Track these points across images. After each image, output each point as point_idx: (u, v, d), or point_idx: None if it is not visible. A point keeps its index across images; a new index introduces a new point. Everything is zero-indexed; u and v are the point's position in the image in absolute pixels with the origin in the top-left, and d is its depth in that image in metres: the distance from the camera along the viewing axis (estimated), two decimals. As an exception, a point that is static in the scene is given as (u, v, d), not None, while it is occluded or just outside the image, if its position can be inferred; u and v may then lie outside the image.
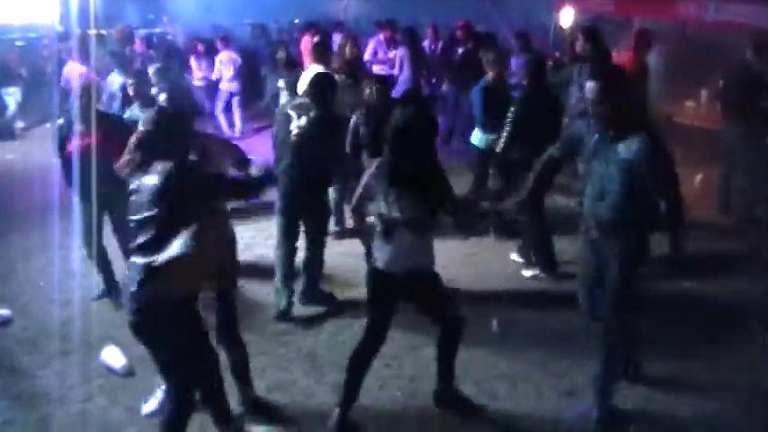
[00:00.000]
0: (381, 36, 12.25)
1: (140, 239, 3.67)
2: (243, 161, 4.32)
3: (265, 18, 17.95)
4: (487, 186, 7.42)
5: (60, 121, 5.90)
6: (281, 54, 10.09)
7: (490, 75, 7.25)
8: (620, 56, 8.55)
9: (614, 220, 4.24)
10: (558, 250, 6.70)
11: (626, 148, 4.09)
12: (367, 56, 11.67)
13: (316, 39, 8.93)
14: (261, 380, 4.82)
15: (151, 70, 7.20)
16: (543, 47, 11.66)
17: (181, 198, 3.67)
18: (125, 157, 3.87)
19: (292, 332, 5.68)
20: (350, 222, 7.59)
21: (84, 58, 9.23)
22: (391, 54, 11.71)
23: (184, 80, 12.03)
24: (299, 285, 6.12)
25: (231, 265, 4.44)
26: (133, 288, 3.65)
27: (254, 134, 12.07)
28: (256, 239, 7.43)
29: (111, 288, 5.98)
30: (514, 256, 6.93)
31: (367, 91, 6.64)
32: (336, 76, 6.70)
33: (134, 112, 6.41)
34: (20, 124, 12.82)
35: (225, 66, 12.23)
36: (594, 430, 4.43)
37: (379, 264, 4.25)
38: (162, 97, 4.19)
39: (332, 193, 7.08)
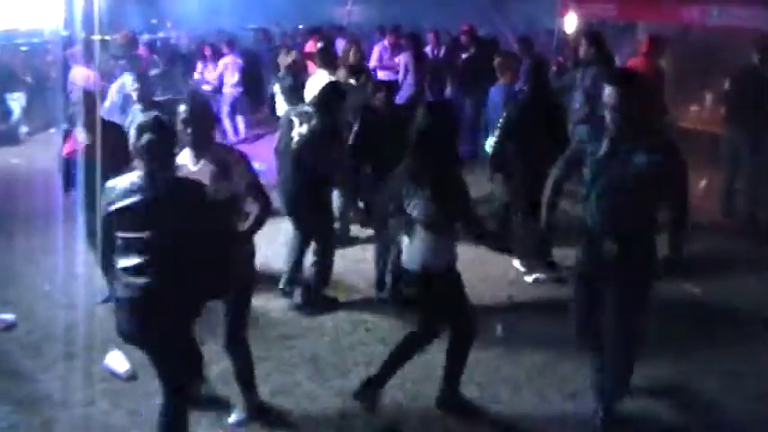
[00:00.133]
0: (386, 42, 12.27)
1: (134, 260, 3.65)
2: (252, 185, 4.28)
3: (269, 23, 18.01)
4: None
5: (65, 125, 5.93)
6: (282, 57, 10.11)
7: (504, 80, 7.23)
8: (634, 61, 8.56)
9: (631, 231, 4.15)
10: (561, 256, 6.70)
11: (643, 156, 3.99)
12: (373, 62, 11.69)
13: (319, 44, 8.95)
14: (264, 384, 4.82)
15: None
16: (546, 52, 11.68)
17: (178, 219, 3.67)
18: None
19: (296, 336, 5.68)
20: (353, 230, 7.68)
21: (89, 63, 9.27)
22: (397, 59, 11.73)
23: (189, 85, 12.08)
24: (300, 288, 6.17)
25: (248, 274, 4.47)
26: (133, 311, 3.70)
27: (256, 140, 12.08)
28: (258, 244, 7.41)
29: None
30: (516, 263, 6.92)
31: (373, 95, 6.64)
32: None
33: (135, 115, 6.41)
34: (24, 129, 12.86)
35: (229, 70, 12.25)
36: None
37: (403, 262, 4.43)
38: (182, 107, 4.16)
39: (336, 200, 7.09)
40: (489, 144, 7.00)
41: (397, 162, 4.48)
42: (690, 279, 6.57)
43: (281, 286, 6.17)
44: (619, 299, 4.18)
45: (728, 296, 6.37)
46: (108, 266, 3.86)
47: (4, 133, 12.58)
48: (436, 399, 4.72)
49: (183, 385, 3.99)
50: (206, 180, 4.12)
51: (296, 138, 5.82)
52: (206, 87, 12.35)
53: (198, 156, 4.23)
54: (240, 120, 12.50)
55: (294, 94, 7.86)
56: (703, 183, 9.07)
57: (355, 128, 6.48)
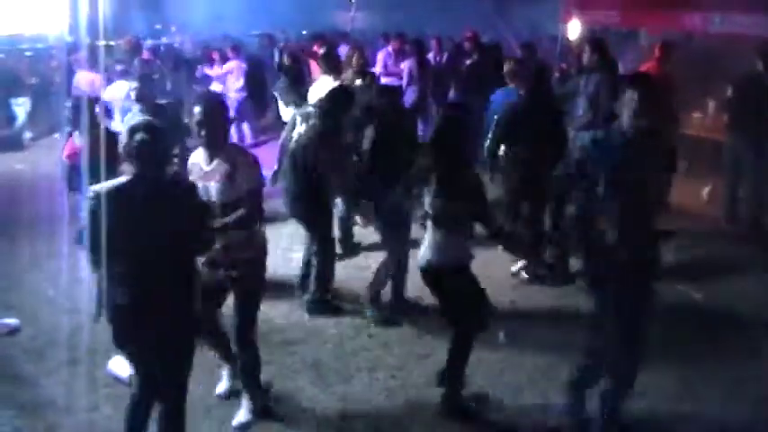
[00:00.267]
0: (390, 48, 12.32)
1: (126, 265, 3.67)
2: (252, 192, 4.30)
3: (273, 29, 18.04)
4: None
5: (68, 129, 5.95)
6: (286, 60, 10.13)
7: (514, 85, 7.22)
8: (645, 67, 8.58)
9: (646, 234, 4.14)
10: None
11: (655, 162, 4.02)
12: (377, 68, 11.73)
13: (322, 49, 8.97)
14: (266, 389, 4.83)
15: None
16: (550, 58, 11.69)
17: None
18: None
19: (298, 342, 5.69)
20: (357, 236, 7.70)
21: (94, 68, 9.30)
22: (402, 66, 11.78)
23: (194, 89, 12.07)
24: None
25: (257, 275, 4.53)
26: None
27: (260, 145, 12.08)
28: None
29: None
30: (515, 267, 6.92)
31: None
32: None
33: (135, 115, 6.41)
34: (28, 134, 12.88)
35: (234, 75, 12.25)
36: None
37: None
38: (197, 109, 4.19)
39: (339, 206, 7.11)
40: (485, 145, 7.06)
41: (405, 166, 4.54)
42: (693, 284, 6.59)
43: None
44: (634, 304, 4.16)
45: (731, 301, 6.37)
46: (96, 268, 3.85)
47: (8, 138, 12.59)
48: (441, 399, 4.73)
49: (182, 387, 3.99)
50: (218, 179, 4.20)
51: (295, 137, 5.92)
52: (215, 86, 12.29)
53: (212, 155, 4.27)
54: (245, 125, 12.51)
55: (292, 94, 7.92)
56: (706, 189, 9.08)
57: (369, 132, 6.50)
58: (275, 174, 6.30)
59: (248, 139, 12.39)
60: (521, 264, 6.89)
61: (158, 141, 3.73)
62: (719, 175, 8.56)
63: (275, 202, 6.84)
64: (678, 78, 8.57)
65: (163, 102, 7.60)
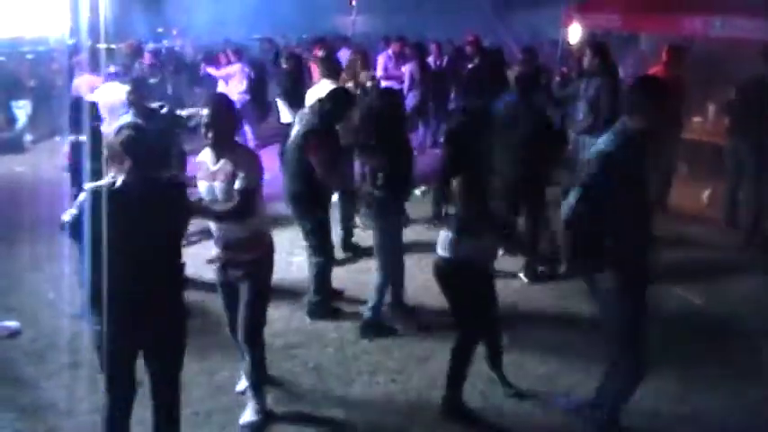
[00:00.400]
0: (390, 51, 12.34)
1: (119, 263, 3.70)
2: (245, 191, 4.33)
3: (274, 33, 18.08)
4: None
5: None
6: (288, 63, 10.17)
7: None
8: (654, 70, 8.59)
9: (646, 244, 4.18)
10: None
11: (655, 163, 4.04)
12: (378, 71, 11.76)
13: (320, 53, 8.98)
14: (267, 392, 4.82)
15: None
16: (551, 62, 11.71)
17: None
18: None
19: (299, 346, 5.69)
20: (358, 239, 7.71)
21: (95, 70, 9.30)
22: (403, 69, 11.81)
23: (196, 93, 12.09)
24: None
25: (264, 276, 4.59)
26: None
27: (261, 148, 12.09)
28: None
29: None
30: (522, 273, 6.93)
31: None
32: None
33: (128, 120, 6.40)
34: (29, 137, 12.89)
35: (237, 78, 12.24)
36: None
37: None
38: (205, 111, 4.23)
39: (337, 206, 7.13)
40: None
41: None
42: (693, 288, 6.59)
43: None
44: (634, 305, 4.17)
45: (731, 305, 6.37)
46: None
47: (8, 141, 12.61)
48: (441, 401, 4.74)
49: (178, 382, 4.04)
50: (222, 179, 4.24)
51: (291, 138, 5.98)
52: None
53: (218, 155, 4.31)
54: (247, 128, 12.51)
55: (292, 95, 7.95)
56: (707, 193, 9.09)
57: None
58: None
59: (250, 142, 12.39)
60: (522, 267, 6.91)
61: (143, 141, 3.77)
62: (720, 179, 8.56)
63: (276, 205, 6.87)
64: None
65: (159, 105, 7.61)
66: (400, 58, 12.19)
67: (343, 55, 10.76)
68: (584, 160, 4.51)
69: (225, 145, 4.31)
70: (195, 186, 4.41)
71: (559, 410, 4.81)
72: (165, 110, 6.94)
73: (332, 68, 7.97)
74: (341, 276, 6.62)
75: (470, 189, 4.53)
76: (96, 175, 4.29)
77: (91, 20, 12.10)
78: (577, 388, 5.00)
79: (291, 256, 7.17)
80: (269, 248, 4.61)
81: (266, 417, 4.64)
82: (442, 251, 4.64)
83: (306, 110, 6.18)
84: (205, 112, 4.26)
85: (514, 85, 6.86)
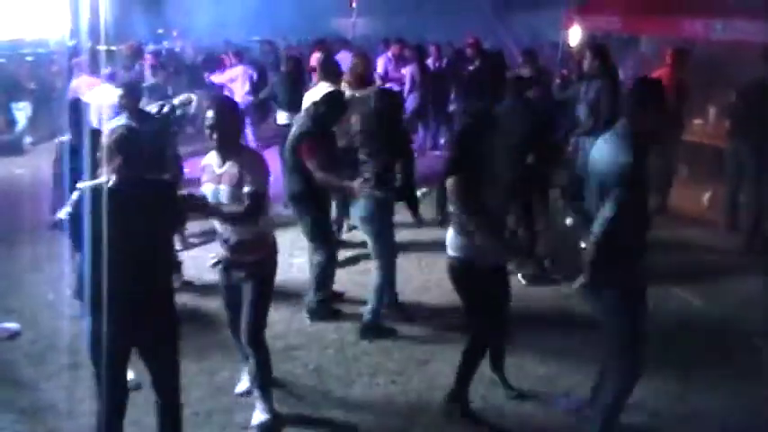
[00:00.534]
0: (390, 53, 12.35)
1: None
2: (254, 195, 4.33)
3: (274, 36, 18.08)
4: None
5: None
6: (287, 65, 10.16)
7: (531, 92, 7.20)
8: (658, 73, 8.60)
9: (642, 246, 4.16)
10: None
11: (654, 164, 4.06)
12: (379, 70, 11.78)
13: (318, 55, 8.98)
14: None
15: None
16: (551, 64, 11.71)
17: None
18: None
19: (299, 347, 5.68)
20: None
21: (95, 72, 9.31)
22: (403, 71, 11.82)
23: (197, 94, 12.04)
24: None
25: (268, 276, 4.61)
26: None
27: (263, 150, 12.09)
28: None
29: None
30: (519, 277, 6.92)
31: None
32: (348, 91, 6.93)
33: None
34: (28, 139, 12.89)
35: (239, 80, 12.23)
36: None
37: None
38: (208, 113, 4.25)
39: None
40: None
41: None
42: (693, 290, 6.59)
43: None
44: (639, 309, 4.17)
45: (731, 307, 6.37)
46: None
47: (8, 143, 12.61)
48: (444, 401, 4.75)
49: (178, 377, 4.06)
50: (231, 182, 4.24)
51: (288, 139, 6.04)
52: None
53: (224, 158, 4.32)
54: (248, 129, 12.51)
55: (291, 97, 7.96)
56: (707, 195, 9.09)
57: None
58: None
59: (251, 144, 12.38)
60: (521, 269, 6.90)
61: (134, 141, 3.80)
62: (720, 181, 8.56)
63: (276, 206, 6.87)
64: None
65: (161, 104, 7.60)
66: (400, 61, 12.21)
67: (343, 57, 10.73)
68: (583, 162, 4.50)
69: (230, 147, 4.31)
70: (187, 187, 4.41)
71: (560, 411, 4.80)
72: (165, 109, 6.94)
73: (330, 71, 7.97)
74: (341, 278, 6.61)
75: (468, 189, 4.51)
76: (83, 174, 4.29)
77: (91, 22, 12.14)
78: (577, 389, 5.00)
79: (292, 258, 7.18)
80: (272, 250, 4.62)
81: (276, 417, 4.63)
82: (450, 251, 4.64)
83: (302, 112, 6.20)
84: (209, 114, 4.24)
85: (510, 88, 6.87)
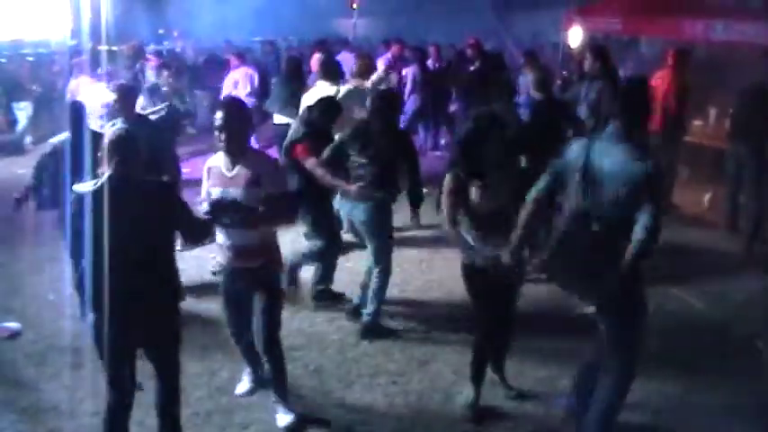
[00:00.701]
0: (389, 54, 12.37)
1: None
2: (279, 196, 4.33)
3: (275, 36, 18.08)
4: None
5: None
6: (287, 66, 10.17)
7: (539, 96, 7.20)
8: (661, 74, 8.61)
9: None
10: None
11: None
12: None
13: (319, 56, 9.00)
14: (268, 395, 4.81)
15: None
16: (552, 65, 11.73)
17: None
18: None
19: (300, 348, 5.68)
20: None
21: (95, 72, 9.33)
22: (405, 71, 11.84)
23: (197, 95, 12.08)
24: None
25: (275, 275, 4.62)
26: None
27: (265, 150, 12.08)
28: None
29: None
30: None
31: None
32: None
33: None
34: (29, 139, 12.88)
35: (241, 82, 12.20)
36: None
37: None
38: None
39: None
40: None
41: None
42: (693, 291, 6.59)
43: None
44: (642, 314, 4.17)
45: (732, 308, 6.37)
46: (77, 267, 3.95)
47: (9, 143, 12.60)
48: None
49: (177, 374, 4.10)
50: (242, 185, 4.20)
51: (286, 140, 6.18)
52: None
53: (234, 161, 4.26)
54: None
55: (290, 98, 7.99)
56: (707, 196, 9.09)
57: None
58: None
59: (253, 144, 12.38)
60: None
61: (129, 142, 3.82)
62: (721, 182, 8.56)
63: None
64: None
65: (163, 107, 7.63)
66: (399, 62, 12.23)
67: (343, 58, 10.75)
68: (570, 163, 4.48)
69: (240, 149, 4.26)
70: (186, 188, 4.41)
71: (560, 411, 4.80)
72: (163, 112, 6.96)
73: (330, 70, 8.01)
74: (341, 279, 6.61)
75: (460, 188, 4.53)
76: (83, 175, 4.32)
77: (92, 22, 12.14)
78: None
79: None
80: (278, 253, 4.60)
81: (299, 417, 4.63)
82: (461, 251, 4.67)
83: (297, 118, 6.36)
84: (219, 115, 4.19)
85: (500, 90, 6.88)
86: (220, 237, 4.41)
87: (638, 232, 3.80)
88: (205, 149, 10.63)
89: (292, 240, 7.21)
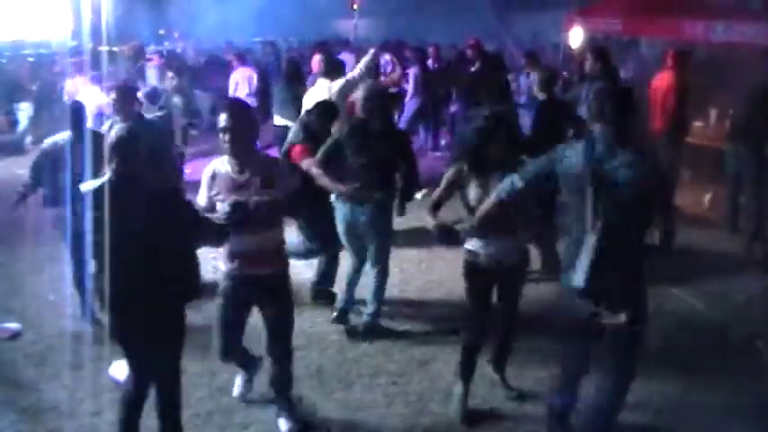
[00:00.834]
0: (388, 56, 12.42)
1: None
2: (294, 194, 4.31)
3: (276, 37, 18.09)
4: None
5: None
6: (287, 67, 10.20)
7: (542, 96, 7.19)
8: (662, 75, 8.62)
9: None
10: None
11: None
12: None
13: (319, 56, 9.02)
14: (268, 396, 4.82)
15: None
16: (552, 66, 11.73)
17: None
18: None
19: (300, 348, 5.65)
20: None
21: (93, 73, 9.34)
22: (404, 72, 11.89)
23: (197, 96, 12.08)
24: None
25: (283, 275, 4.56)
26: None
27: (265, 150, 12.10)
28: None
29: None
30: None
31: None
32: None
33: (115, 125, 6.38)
34: (29, 139, 12.89)
35: (241, 84, 12.22)
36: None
37: None
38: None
39: None
40: None
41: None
42: (693, 292, 6.59)
43: None
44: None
45: (732, 308, 6.38)
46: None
47: (9, 144, 12.61)
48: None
49: (177, 372, 4.09)
50: (253, 190, 4.09)
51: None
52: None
53: (241, 164, 4.13)
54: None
55: (289, 99, 8.02)
56: (708, 196, 9.10)
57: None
58: None
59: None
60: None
61: (132, 142, 3.82)
62: (721, 183, 8.57)
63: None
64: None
65: (158, 113, 7.62)
66: (399, 61, 12.29)
67: (344, 59, 10.77)
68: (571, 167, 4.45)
69: (246, 152, 4.12)
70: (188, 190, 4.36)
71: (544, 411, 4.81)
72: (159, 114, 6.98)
73: (331, 68, 8.03)
74: (342, 279, 6.59)
75: (455, 185, 4.59)
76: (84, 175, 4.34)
77: (93, 22, 12.14)
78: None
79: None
80: (287, 259, 4.54)
81: (303, 423, 4.64)
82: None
83: (300, 117, 6.38)
84: (222, 117, 4.06)
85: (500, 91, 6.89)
86: (229, 244, 4.26)
87: (653, 236, 3.83)
88: (207, 151, 10.65)
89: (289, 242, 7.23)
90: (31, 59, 15.65)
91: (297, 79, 9.54)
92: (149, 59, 11.41)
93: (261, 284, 4.31)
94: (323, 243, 6.18)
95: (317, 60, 8.94)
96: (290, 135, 6.17)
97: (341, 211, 5.74)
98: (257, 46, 17.80)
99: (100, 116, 7.24)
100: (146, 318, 3.84)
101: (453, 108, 11.85)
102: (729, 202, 8.31)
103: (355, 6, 14.61)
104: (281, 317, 4.45)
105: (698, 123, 10.04)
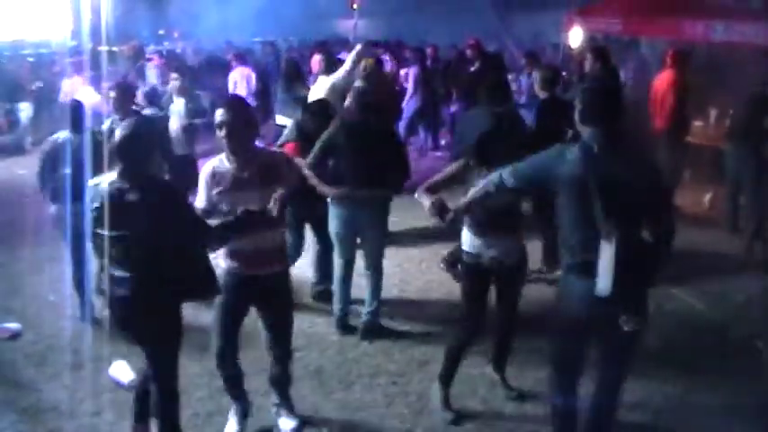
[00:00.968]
0: (387, 56, 12.45)
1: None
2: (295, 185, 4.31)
3: (276, 37, 18.10)
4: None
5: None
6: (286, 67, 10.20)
7: (544, 95, 7.20)
8: (663, 74, 8.62)
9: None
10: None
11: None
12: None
13: (319, 56, 9.03)
14: (268, 396, 4.81)
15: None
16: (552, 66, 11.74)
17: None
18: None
19: (300, 349, 5.67)
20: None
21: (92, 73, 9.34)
22: (403, 72, 11.89)
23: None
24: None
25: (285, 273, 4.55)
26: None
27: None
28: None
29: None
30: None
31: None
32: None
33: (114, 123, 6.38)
34: (29, 139, 12.90)
35: (240, 83, 12.23)
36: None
37: None
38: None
39: None
40: None
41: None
42: (693, 292, 6.59)
43: None
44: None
45: (732, 308, 6.38)
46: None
47: (10, 144, 12.62)
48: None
49: (173, 376, 4.09)
50: (255, 187, 4.04)
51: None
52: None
53: (241, 161, 4.07)
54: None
55: (291, 101, 8.05)
56: (708, 196, 9.09)
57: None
58: None
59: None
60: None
61: (136, 140, 3.81)
62: (721, 183, 8.57)
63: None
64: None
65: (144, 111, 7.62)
66: (398, 62, 12.33)
67: (343, 59, 10.77)
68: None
69: (245, 148, 4.07)
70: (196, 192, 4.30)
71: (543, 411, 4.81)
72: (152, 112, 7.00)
73: (330, 68, 8.09)
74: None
75: (461, 179, 4.60)
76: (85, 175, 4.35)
77: (93, 22, 12.15)
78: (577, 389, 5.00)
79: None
80: (287, 259, 4.56)
81: (303, 422, 4.64)
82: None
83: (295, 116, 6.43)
84: (219, 113, 4.00)
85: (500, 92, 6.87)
86: (232, 243, 4.18)
87: (657, 238, 3.82)
88: (208, 150, 10.65)
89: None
90: (31, 59, 15.65)
91: (297, 79, 9.54)
92: (149, 59, 11.40)
93: (261, 284, 4.26)
94: (298, 240, 6.29)
95: (317, 60, 8.94)
96: (286, 132, 6.22)
97: (336, 210, 5.72)
98: (257, 46, 17.81)
99: (96, 115, 7.23)
100: (144, 318, 3.85)
101: (453, 108, 11.87)
102: (729, 202, 8.31)
103: (355, 6, 14.60)
104: (282, 317, 4.45)
105: (698, 123, 10.04)
